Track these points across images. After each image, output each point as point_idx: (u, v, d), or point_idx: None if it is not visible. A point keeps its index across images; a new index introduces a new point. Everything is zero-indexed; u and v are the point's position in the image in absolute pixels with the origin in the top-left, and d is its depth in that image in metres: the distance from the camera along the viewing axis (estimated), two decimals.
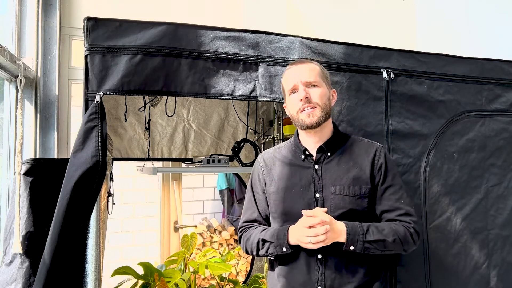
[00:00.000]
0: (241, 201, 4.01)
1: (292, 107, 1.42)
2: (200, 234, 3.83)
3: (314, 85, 1.39)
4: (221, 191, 4.24)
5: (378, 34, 2.56)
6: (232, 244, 3.93)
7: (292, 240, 1.32)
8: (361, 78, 1.71)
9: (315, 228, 1.25)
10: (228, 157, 2.43)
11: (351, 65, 1.70)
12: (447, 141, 1.83)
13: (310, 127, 1.38)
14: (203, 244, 3.83)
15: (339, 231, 1.29)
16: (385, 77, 1.73)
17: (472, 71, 1.90)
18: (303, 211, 1.31)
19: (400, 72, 1.77)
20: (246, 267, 3.52)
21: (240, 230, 1.52)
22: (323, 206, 1.36)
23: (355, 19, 2.68)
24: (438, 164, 1.80)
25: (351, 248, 1.30)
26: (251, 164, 2.61)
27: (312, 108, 1.37)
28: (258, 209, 1.50)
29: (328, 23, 2.60)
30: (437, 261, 1.76)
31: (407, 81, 1.78)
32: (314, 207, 1.36)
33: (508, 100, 1.96)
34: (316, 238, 1.24)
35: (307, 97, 1.36)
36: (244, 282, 2.85)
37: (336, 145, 1.44)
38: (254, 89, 1.59)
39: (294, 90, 1.41)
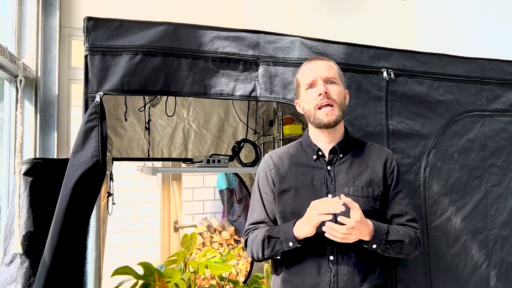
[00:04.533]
0: (241, 201, 4.01)
1: (308, 102, 1.38)
2: (200, 234, 3.83)
3: (332, 82, 1.37)
4: (221, 191, 4.24)
5: (378, 34, 2.55)
6: (232, 244, 3.93)
7: (300, 233, 1.27)
8: (361, 78, 1.71)
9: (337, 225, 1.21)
10: (228, 157, 2.43)
11: (351, 65, 1.69)
12: (447, 141, 1.82)
13: (327, 126, 1.35)
14: (203, 244, 3.84)
15: (368, 229, 1.25)
16: (385, 77, 1.73)
17: (472, 71, 1.89)
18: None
19: (400, 72, 1.76)
20: (246, 267, 3.52)
21: (245, 233, 1.44)
22: None
23: (355, 19, 2.68)
24: (438, 164, 1.80)
25: (374, 246, 1.28)
26: (251, 164, 2.61)
27: (330, 106, 1.34)
28: (265, 210, 1.43)
29: (328, 23, 2.60)
30: (437, 261, 1.76)
31: (407, 81, 1.78)
32: None
33: (508, 100, 1.96)
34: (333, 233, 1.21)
35: (326, 92, 1.33)
36: (244, 282, 2.85)
37: (348, 147, 1.43)
38: (254, 89, 1.59)
39: (312, 85, 1.37)
